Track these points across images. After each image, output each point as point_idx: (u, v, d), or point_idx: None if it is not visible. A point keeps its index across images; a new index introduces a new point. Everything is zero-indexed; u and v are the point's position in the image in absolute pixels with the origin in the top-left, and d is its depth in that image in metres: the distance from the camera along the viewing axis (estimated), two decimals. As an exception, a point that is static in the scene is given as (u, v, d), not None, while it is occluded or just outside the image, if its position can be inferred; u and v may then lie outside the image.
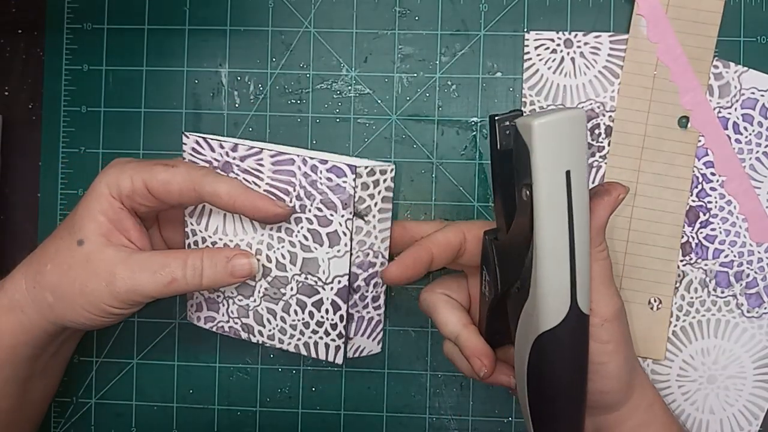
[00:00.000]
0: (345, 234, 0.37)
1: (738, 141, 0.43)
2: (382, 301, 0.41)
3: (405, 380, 0.45)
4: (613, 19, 0.44)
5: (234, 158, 0.38)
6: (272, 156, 0.38)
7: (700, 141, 0.43)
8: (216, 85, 0.45)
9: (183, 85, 0.45)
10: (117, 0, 0.46)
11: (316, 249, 0.38)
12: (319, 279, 0.39)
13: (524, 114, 0.31)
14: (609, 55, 0.44)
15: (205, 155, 0.39)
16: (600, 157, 0.44)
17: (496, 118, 0.31)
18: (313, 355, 0.40)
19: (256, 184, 0.38)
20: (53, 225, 0.46)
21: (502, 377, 0.37)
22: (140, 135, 0.46)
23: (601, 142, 0.44)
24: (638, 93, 0.43)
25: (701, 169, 0.43)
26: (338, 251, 0.38)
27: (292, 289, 0.39)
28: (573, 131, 0.29)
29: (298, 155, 0.37)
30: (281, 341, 0.40)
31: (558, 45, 0.44)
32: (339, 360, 0.39)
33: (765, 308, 0.43)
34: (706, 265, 0.43)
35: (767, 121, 0.43)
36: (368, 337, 0.41)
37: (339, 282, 0.38)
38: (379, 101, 0.45)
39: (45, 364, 0.40)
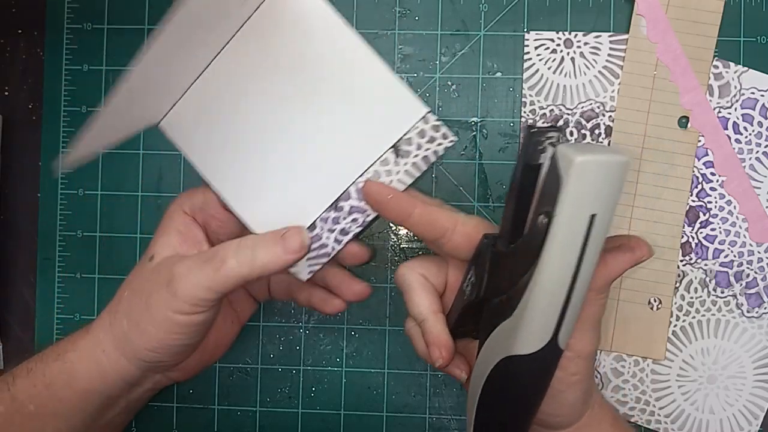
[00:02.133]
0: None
1: (738, 141, 0.43)
2: (347, 239, 0.37)
3: (405, 380, 0.45)
4: (613, 19, 0.44)
5: None
6: None
7: (700, 141, 0.43)
8: (216, 85, 0.45)
9: (183, 85, 0.45)
10: (117, 0, 0.46)
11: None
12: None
13: (559, 129, 0.29)
14: (609, 55, 0.44)
15: None
16: (600, 157, 0.44)
17: (532, 131, 0.30)
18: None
19: None
20: (53, 225, 0.46)
21: (455, 370, 0.37)
22: (140, 135, 0.46)
23: (601, 142, 0.44)
24: (638, 93, 0.43)
25: (701, 169, 0.43)
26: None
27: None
28: (613, 177, 0.28)
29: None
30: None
31: (558, 45, 0.44)
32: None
33: (765, 308, 0.43)
34: (706, 265, 0.43)
35: (767, 121, 0.43)
36: (306, 259, 0.37)
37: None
38: (379, 101, 0.45)
39: (111, 420, 0.39)
